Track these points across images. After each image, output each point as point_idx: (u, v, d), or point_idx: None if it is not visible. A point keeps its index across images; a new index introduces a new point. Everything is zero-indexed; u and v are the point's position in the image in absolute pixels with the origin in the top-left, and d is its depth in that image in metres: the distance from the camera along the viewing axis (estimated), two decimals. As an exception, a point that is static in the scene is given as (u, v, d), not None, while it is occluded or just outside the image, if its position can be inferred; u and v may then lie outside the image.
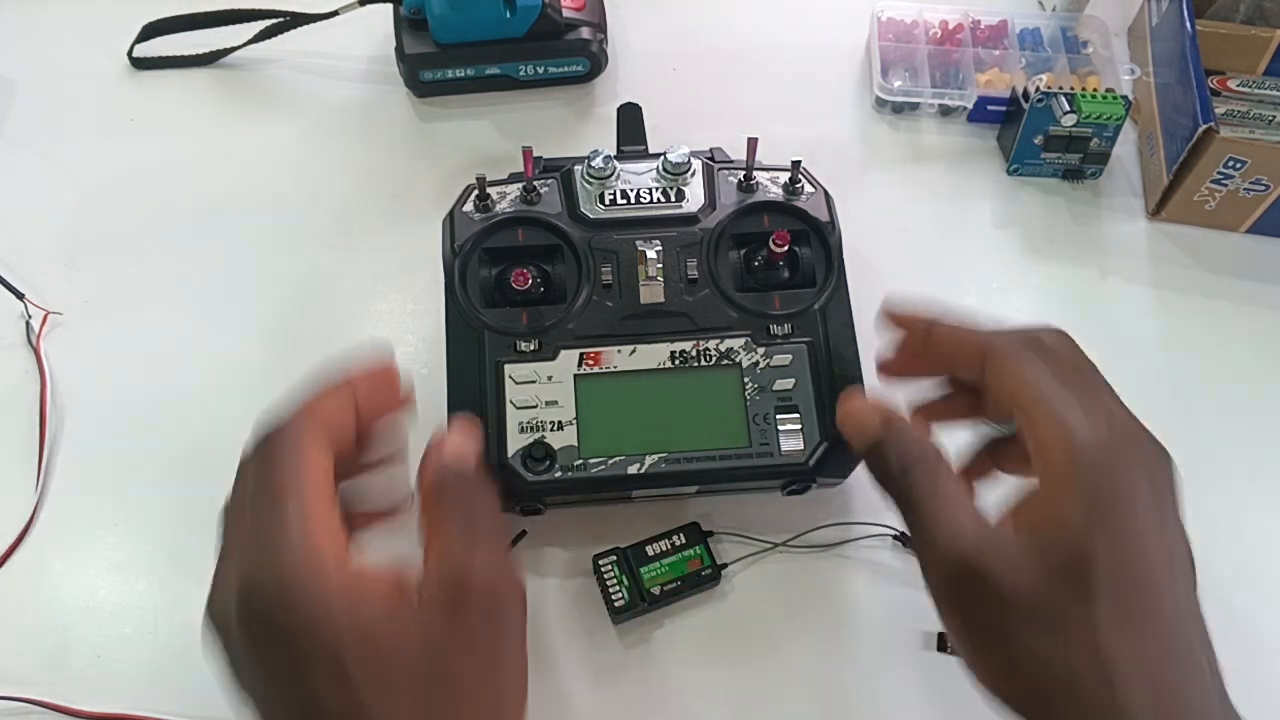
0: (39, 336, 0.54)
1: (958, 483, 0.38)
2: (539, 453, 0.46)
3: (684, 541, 0.48)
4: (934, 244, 0.60)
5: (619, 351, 0.48)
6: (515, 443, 0.46)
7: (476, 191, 0.51)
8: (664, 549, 0.48)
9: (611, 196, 0.52)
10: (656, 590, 0.47)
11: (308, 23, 0.64)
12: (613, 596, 0.47)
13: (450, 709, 0.33)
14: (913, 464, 0.38)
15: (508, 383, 0.47)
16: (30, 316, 0.55)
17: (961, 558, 0.35)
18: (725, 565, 0.49)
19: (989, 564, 0.35)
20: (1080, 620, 0.34)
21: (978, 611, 0.36)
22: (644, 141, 0.56)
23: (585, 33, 0.62)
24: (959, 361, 0.41)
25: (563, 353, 0.48)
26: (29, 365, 0.54)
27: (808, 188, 0.53)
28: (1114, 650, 0.34)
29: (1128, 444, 0.37)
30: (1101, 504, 0.35)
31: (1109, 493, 0.35)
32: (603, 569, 0.47)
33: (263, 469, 0.35)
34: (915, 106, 0.64)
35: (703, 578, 0.48)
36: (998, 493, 0.39)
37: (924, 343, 0.42)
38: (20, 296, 0.55)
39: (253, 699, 0.33)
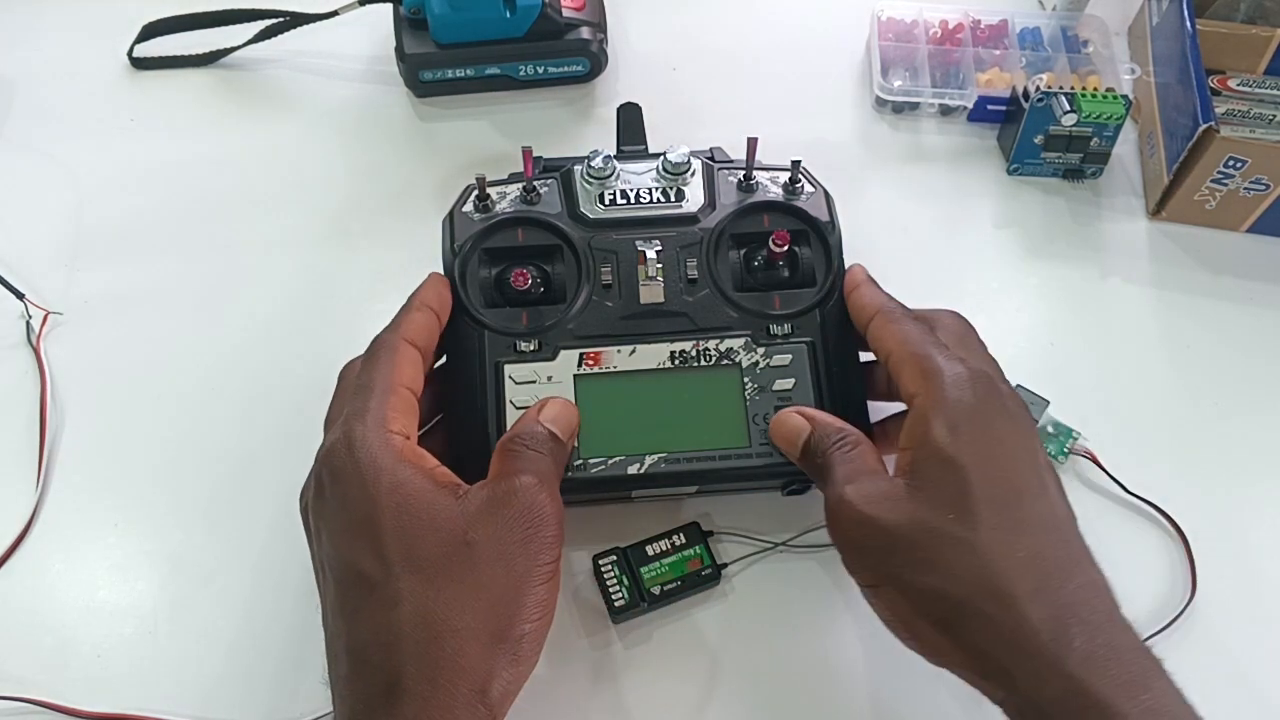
0: (39, 337, 0.54)
1: (869, 452, 0.42)
2: (539, 453, 0.46)
3: (684, 541, 0.48)
4: (934, 244, 0.60)
5: (619, 351, 0.48)
6: (515, 443, 0.46)
7: (476, 191, 0.51)
8: (664, 549, 0.48)
9: (611, 196, 0.52)
10: (656, 590, 0.47)
11: (308, 23, 0.64)
12: (613, 596, 0.46)
13: (466, 581, 0.37)
14: (831, 445, 0.42)
15: (508, 383, 0.47)
16: (30, 317, 0.55)
17: (849, 507, 0.39)
18: (725, 565, 0.49)
19: (872, 508, 0.39)
20: (961, 541, 0.37)
21: (870, 556, 0.39)
22: (644, 141, 0.56)
23: (585, 33, 0.62)
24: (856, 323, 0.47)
25: (563, 353, 0.48)
26: (29, 365, 0.54)
27: (808, 187, 0.53)
28: (1001, 564, 0.36)
29: (986, 380, 0.41)
30: (963, 420, 0.39)
31: (969, 410, 0.39)
32: (603, 569, 0.47)
33: (366, 364, 0.43)
34: (915, 106, 0.64)
35: (703, 578, 0.48)
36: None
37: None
38: (20, 296, 0.55)
39: (314, 541, 0.41)
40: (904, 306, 0.46)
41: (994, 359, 0.44)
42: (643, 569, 0.47)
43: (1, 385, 0.53)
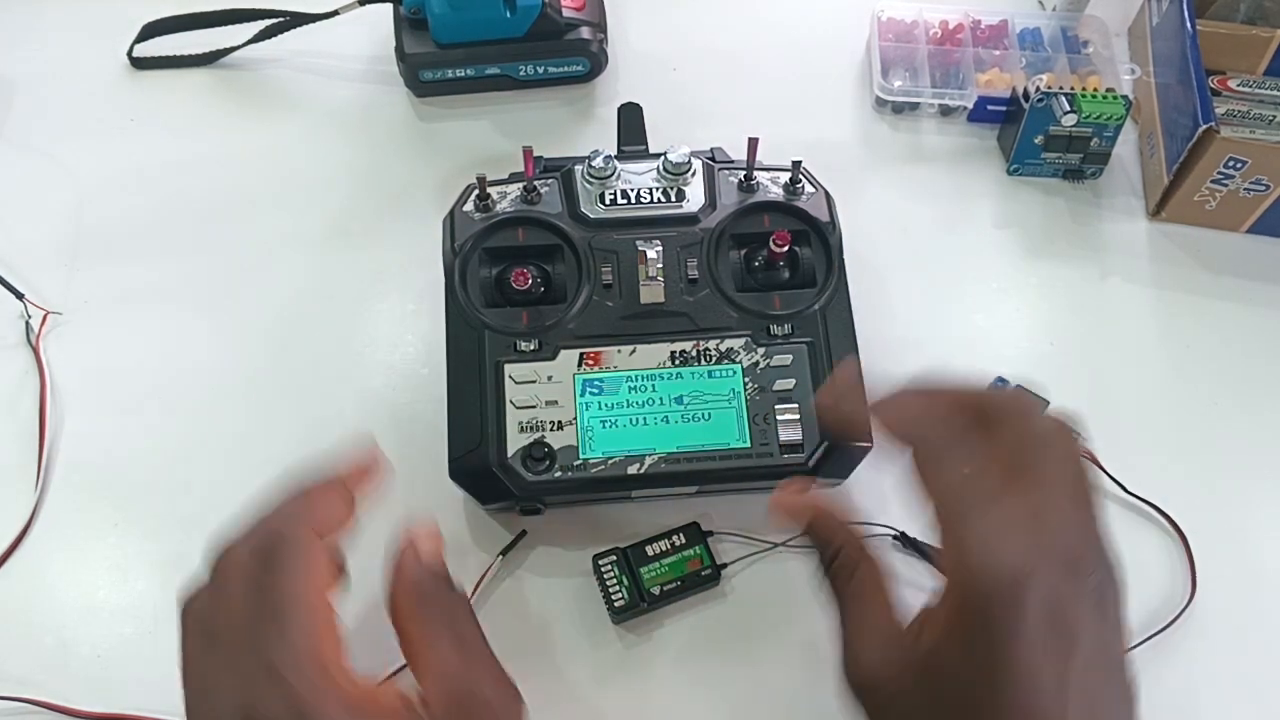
0: (38, 336, 0.54)
1: (876, 586, 0.35)
2: (539, 453, 0.46)
3: (684, 541, 0.48)
4: (934, 244, 0.60)
5: (619, 351, 0.48)
6: (515, 443, 0.46)
7: (477, 191, 0.51)
8: (664, 549, 0.47)
9: (612, 196, 0.52)
10: (656, 590, 0.47)
11: (308, 23, 0.64)
12: (613, 596, 0.46)
13: None
14: (829, 560, 0.36)
15: (508, 383, 0.47)
16: (30, 317, 0.55)
17: (856, 676, 0.34)
18: (725, 565, 0.48)
19: (878, 686, 0.33)
20: None
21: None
22: (644, 141, 0.56)
23: (585, 33, 0.62)
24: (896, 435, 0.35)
25: (563, 353, 0.48)
26: (28, 365, 0.54)
27: (808, 188, 0.53)
28: None
29: (1045, 570, 0.30)
30: (986, 648, 0.29)
31: (998, 636, 0.29)
32: (603, 569, 0.47)
33: (265, 581, 0.31)
34: (915, 106, 0.64)
35: (702, 578, 0.47)
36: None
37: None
38: (20, 296, 0.55)
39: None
40: (940, 408, 0.35)
41: (1091, 496, 0.32)
42: (642, 569, 0.47)
43: (1, 385, 0.53)
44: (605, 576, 0.47)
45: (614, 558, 0.47)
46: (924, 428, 0.34)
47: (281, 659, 0.29)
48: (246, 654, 0.30)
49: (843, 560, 0.36)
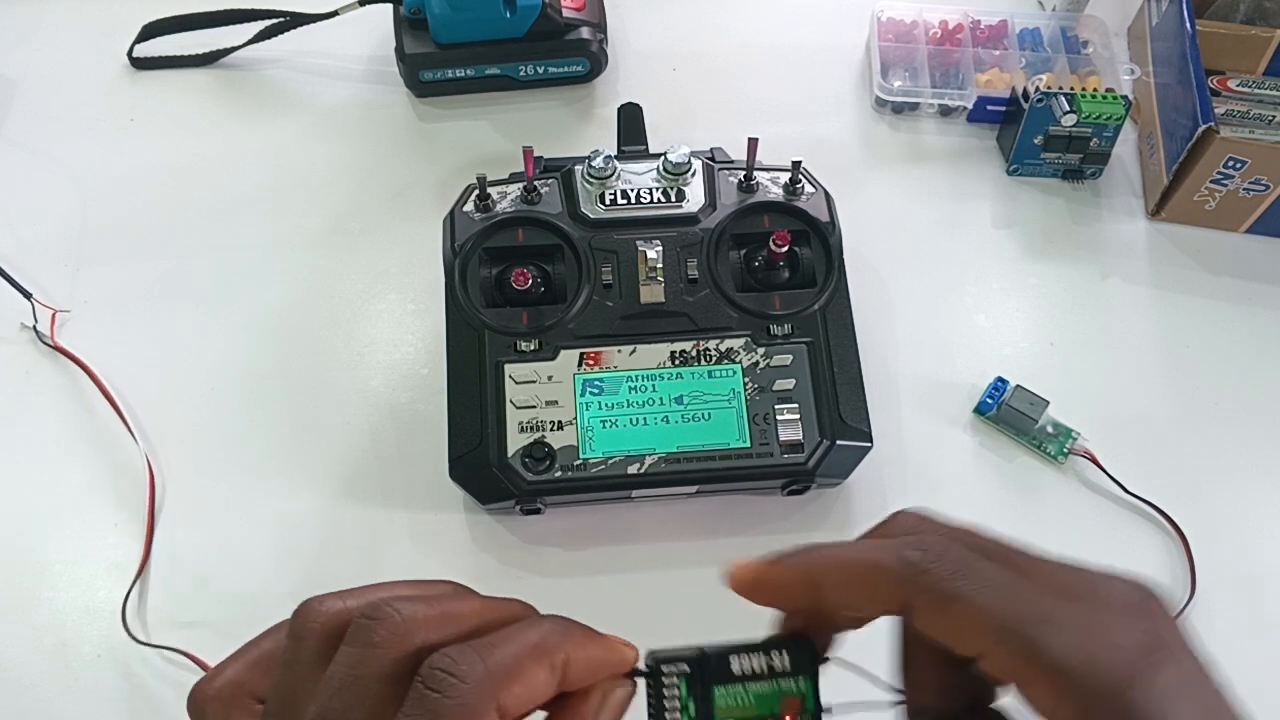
0: (53, 333, 0.54)
1: None
2: (539, 453, 0.46)
3: (785, 666, 0.30)
4: (934, 244, 0.60)
5: (619, 351, 0.48)
6: (515, 443, 0.46)
7: (477, 191, 0.51)
8: (756, 669, 0.30)
9: (612, 196, 0.52)
10: None
11: (308, 23, 0.64)
12: None
13: None
14: None
15: (508, 382, 0.47)
16: (37, 319, 0.54)
17: None
18: (829, 711, 0.30)
19: None
20: None
21: None
22: (644, 141, 0.56)
23: (585, 33, 0.62)
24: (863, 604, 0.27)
25: (563, 353, 0.48)
26: (33, 364, 0.54)
27: (808, 188, 0.53)
28: None
29: (1151, 627, 0.25)
30: None
31: (1155, 708, 0.24)
32: (665, 682, 0.29)
33: None
34: (915, 106, 0.64)
35: None
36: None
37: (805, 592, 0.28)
38: (28, 295, 0.55)
39: None
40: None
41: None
42: (720, 691, 0.29)
43: (6, 384, 0.53)
44: (666, 697, 0.29)
45: (684, 668, 0.29)
46: (903, 557, 0.26)
47: None
48: None
49: None
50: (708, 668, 0.30)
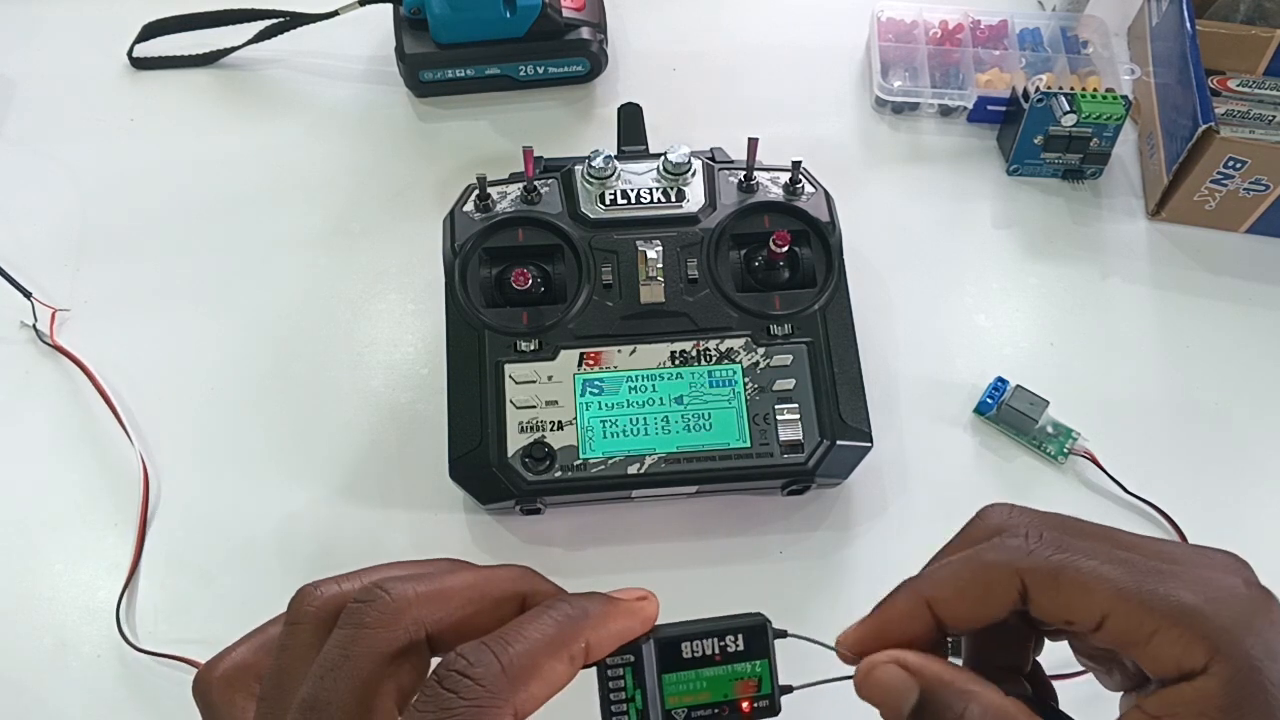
0: (53, 332, 0.54)
1: None
2: (539, 453, 0.46)
3: (739, 648, 0.29)
4: (934, 244, 0.60)
5: (619, 351, 0.48)
6: (515, 443, 0.46)
7: (477, 191, 0.51)
8: (708, 653, 0.29)
9: (612, 196, 0.52)
10: (681, 716, 0.29)
11: (308, 23, 0.64)
12: (614, 712, 0.29)
13: None
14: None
15: (508, 383, 0.47)
16: (37, 318, 0.54)
17: None
18: (790, 689, 0.29)
19: None
20: None
21: None
22: (644, 141, 0.56)
23: (585, 33, 0.62)
24: (985, 606, 0.27)
25: (563, 353, 0.48)
26: (36, 362, 0.54)
27: (808, 188, 0.53)
28: None
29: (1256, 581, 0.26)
30: None
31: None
32: (610, 676, 0.29)
33: None
34: (915, 106, 0.64)
35: (754, 711, 0.29)
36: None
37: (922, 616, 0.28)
38: (28, 295, 0.55)
39: None
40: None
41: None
42: (668, 680, 0.29)
43: (7, 382, 0.53)
44: (611, 689, 0.29)
45: (629, 658, 0.29)
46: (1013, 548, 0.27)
47: None
48: None
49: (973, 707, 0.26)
50: (656, 656, 0.29)
